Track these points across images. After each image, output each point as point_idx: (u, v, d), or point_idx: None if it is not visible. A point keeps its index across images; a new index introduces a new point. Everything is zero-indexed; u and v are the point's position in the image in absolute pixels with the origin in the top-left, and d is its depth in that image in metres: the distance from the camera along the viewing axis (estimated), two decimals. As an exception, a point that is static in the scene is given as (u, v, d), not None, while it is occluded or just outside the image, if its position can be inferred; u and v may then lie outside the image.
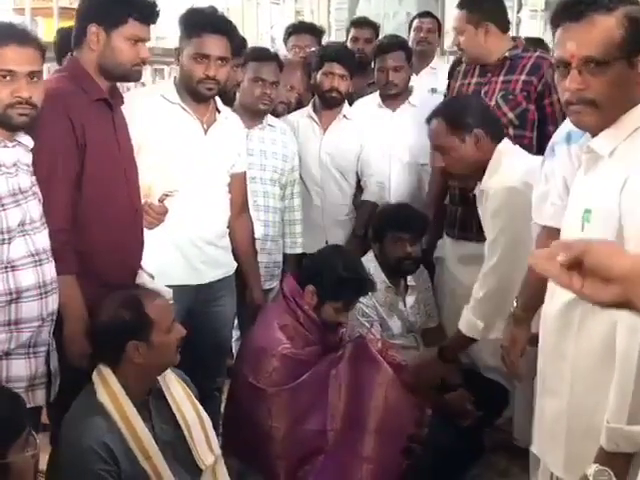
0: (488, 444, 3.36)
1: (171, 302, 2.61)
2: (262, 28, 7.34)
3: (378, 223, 3.45)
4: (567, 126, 2.18)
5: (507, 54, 3.42)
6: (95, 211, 2.43)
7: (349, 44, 4.49)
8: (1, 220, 2.11)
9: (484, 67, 3.47)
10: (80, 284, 2.35)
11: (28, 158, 2.23)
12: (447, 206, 3.60)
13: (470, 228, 3.46)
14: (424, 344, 3.52)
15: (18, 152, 2.19)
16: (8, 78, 2.10)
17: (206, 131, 2.92)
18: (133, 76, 2.55)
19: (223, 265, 3.05)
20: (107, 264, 2.45)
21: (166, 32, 5.86)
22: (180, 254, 2.89)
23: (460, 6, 3.49)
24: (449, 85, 3.68)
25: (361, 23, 4.71)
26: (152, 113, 2.84)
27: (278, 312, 2.91)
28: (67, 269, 2.31)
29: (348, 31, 4.72)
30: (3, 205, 2.12)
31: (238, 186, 3.10)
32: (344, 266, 2.91)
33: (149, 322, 2.26)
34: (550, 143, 2.28)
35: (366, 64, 4.26)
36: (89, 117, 2.40)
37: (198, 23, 2.81)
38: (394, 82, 3.93)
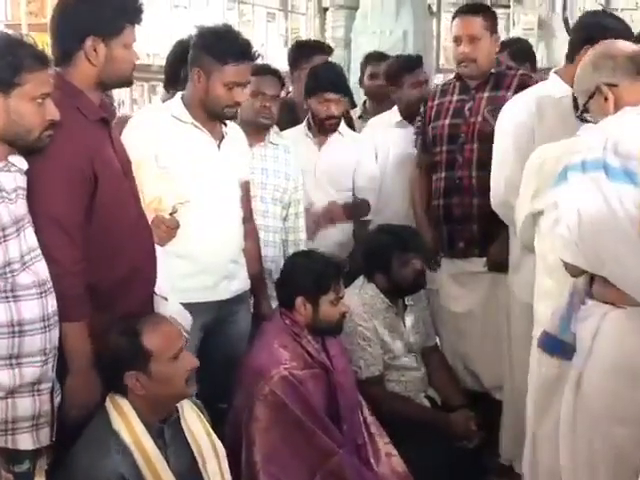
0: (490, 466, 3.34)
1: (189, 324, 2.57)
2: (257, 46, 7.33)
3: (379, 253, 3.34)
4: (582, 153, 2.17)
5: (493, 70, 3.46)
6: (108, 243, 2.32)
7: (367, 80, 4.46)
8: (5, 251, 2.02)
9: (465, 83, 3.47)
10: (93, 317, 2.25)
11: (24, 182, 2.14)
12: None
13: (457, 245, 3.46)
14: (424, 364, 3.48)
15: (16, 177, 2.11)
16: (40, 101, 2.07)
17: (219, 147, 2.93)
18: (129, 82, 2.50)
19: (241, 280, 3.06)
20: (122, 293, 2.36)
21: (160, 48, 5.84)
22: (203, 271, 2.88)
23: (473, 11, 3.45)
24: (425, 107, 3.64)
25: (379, 58, 4.65)
26: (162, 133, 2.83)
27: (277, 332, 2.86)
28: (77, 316, 2.21)
29: (364, 66, 4.64)
30: (5, 236, 2.03)
31: (244, 194, 3.10)
32: (312, 261, 2.93)
33: (146, 352, 2.19)
34: (563, 167, 2.25)
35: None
36: (94, 144, 2.30)
37: (237, 52, 2.79)
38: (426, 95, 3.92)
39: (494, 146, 3.15)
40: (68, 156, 2.21)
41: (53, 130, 2.13)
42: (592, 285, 2.24)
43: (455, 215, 3.48)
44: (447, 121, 3.50)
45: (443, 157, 3.51)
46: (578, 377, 2.25)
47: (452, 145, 3.47)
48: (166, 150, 2.81)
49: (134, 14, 2.37)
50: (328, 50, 4.52)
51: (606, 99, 2.30)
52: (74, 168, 2.23)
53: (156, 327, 2.25)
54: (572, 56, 2.99)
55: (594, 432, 2.22)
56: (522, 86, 3.33)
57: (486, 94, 3.42)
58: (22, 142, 2.09)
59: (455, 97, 3.52)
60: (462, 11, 3.51)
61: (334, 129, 3.78)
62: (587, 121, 2.42)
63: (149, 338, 2.21)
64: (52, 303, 2.13)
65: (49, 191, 2.18)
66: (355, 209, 3.75)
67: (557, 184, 2.25)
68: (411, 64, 4.09)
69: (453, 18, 3.49)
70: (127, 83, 2.51)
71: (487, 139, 3.27)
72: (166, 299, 2.55)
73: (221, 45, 2.79)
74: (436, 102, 3.58)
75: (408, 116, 3.97)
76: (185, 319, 2.55)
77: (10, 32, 2.21)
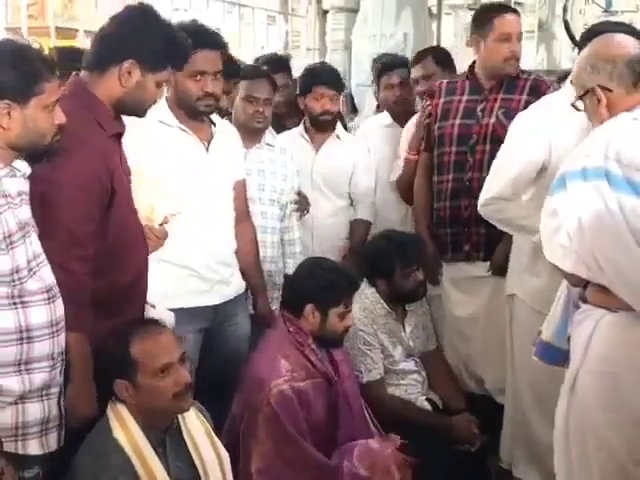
0: (493, 468, 3.34)
1: (171, 326, 2.56)
2: (257, 48, 7.34)
3: (381, 260, 3.31)
4: (581, 160, 2.16)
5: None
6: (115, 254, 2.33)
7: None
8: (12, 258, 2.00)
9: (477, 83, 3.44)
10: (96, 325, 2.25)
11: (27, 186, 2.13)
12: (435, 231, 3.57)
13: (461, 248, 3.44)
14: (425, 368, 3.48)
15: (20, 181, 2.10)
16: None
17: (207, 148, 2.91)
18: (143, 115, 2.47)
19: (235, 283, 3.05)
20: (124, 302, 2.37)
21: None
22: (196, 276, 2.89)
23: (515, 11, 3.41)
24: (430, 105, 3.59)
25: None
26: (152, 140, 2.81)
27: (280, 341, 2.84)
28: (79, 326, 2.20)
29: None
30: (12, 243, 2.01)
31: (239, 194, 3.08)
32: (328, 270, 2.90)
33: (132, 362, 2.16)
34: (560, 174, 2.25)
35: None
36: (112, 158, 2.31)
37: (195, 40, 2.71)
38: (403, 97, 3.92)
39: (500, 149, 3.09)
40: (88, 168, 2.21)
41: (70, 140, 2.11)
42: (586, 289, 2.24)
43: (462, 218, 3.42)
44: (457, 121, 3.44)
45: (451, 158, 3.45)
46: (573, 379, 2.25)
47: (462, 146, 3.41)
48: (156, 156, 2.79)
49: (180, 62, 2.42)
50: (286, 64, 4.30)
51: (599, 101, 2.29)
52: (93, 180, 2.23)
53: (146, 337, 2.21)
54: None
55: (587, 434, 2.24)
56: (535, 89, 3.30)
57: (500, 96, 3.38)
58: (34, 148, 2.08)
59: (465, 97, 3.46)
60: (506, 10, 3.43)
61: (329, 126, 3.77)
62: (578, 110, 2.39)
63: (137, 348, 2.18)
64: (59, 308, 2.13)
65: (67, 201, 2.18)
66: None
67: (555, 192, 2.24)
68: (386, 66, 4.05)
69: (494, 16, 3.32)
70: (140, 115, 2.46)
71: (499, 141, 3.19)
72: (153, 306, 2.55)
73: None
74: (442, 100, 3.51)
75: (396, 118, 3.97)
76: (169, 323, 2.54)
77: (19, 39, 2.19)
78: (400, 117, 3.95)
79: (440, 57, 3.92)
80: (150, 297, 2.55)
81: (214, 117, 3.01)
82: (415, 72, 3.86)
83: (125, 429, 2.16)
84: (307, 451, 2.67)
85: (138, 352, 2.17)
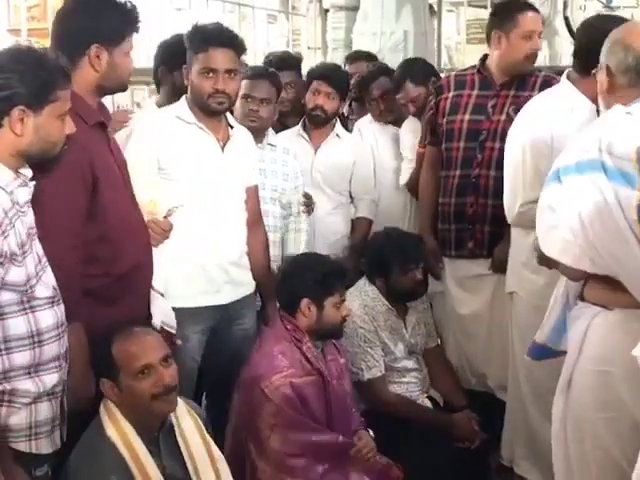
0: (494, 466, 3.34)
1: (174, 330, 2.58)
2: (258, 47, 7.31)
3: (380, 258, 3.32)
4: (575, 155, 2.16)
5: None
6: (110, 244, 2.37)
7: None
8: (25, 269, 2.00)
9: (487, 79, 3.42)
10: (95, 315, 2.29)
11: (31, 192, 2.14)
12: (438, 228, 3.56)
13: (465, 245, 3.43)
14: (426, 365, 3.47)
15: (29, 189, 2.09)
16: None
17: (223, 149, 2.93)
18: (125, 88, 2.55)
19: (245, 284, 3.07)
20: (124, 291, 2.41)
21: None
22: (204, 276, 2.91)
23: (535, 9, 3.41)
24: (438, 99, 3.57)
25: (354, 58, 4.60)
26: (168, 134, 2.85)
27: (277, 338, 2.85)
28: (78, 315, 2.23)
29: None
30: (24, 253, 2.01)
31: (252, 199, 3.11)
32: (317, 263, 2.93)
33: (113, 363, 2.20)
34: (554, 169, 2.24)
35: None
36: (94, 148, 2.34)
37: (203, 38, 2.82)
38: (388, 109, 3.95)
39: (507, 158, 3.05)
40: (70, 162, 2.21)
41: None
42: (584, 287, 2.24)
43: (467, 215, 3.41)
44: (467, 116, 3.42)
45: (459, 153, 3.43)
46: (568, 377, 2.25)
47: (471, 142, 3.40)
48: (168, 151, 2.83)
49: (135, 24, 2.44)
50: (295, 63, 4.27)
51: (602, 83, 2.29)
52: (75, 173, 2.26)
53: (127, 339, 2.24)
54: (584, 68, 2.84)
55: (583, 432, 2.24)
56: (546, 86, 3.25)
57: (512, 92, 3.36)
58: (44, 157, 2.08)
59: (476, 92, 3.44)
60: (530, 7, 3.39)
61: (322, 123, 3.77)
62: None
63: (118, 349, 2.21)
64: (62, 309, 2.14)
65: (52, 196, 2.20)
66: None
67: (548, 186, 2.23)
68: (363, 83, 4.03)
69: (517, 13, 3.31)
70: (123, 89, 2.56)
71: None
72: (162, 294, 2.58)
73: (194, 35, 2.85)
74: (452, 94, 3.49)
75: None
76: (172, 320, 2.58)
77: (35, 46, 2.22)
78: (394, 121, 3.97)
79: (417, 77, 3.84)
80: (158, 285, 2.58)
81: (233, 121, 3.04)
82: (401, 98, 3.84)
83: (118, 427, 2.17)
84: (318, 432, 2.72)
85: (119, 353, 2.20)
